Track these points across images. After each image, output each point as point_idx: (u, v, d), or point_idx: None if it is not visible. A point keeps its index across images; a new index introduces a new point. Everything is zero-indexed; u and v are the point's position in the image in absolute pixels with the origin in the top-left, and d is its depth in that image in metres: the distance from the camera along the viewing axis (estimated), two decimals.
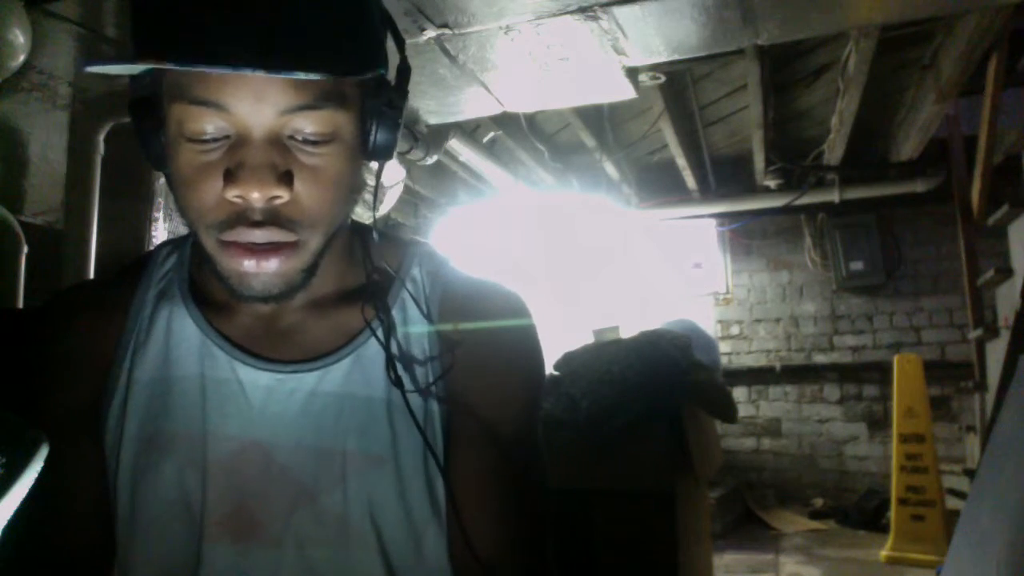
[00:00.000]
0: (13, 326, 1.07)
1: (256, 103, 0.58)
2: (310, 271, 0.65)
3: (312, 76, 0.55)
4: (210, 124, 0.59)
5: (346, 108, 0.63)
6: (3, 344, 0.76)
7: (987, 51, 3.30)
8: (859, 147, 4.61)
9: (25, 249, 1.65)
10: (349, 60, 0.60)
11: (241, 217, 0.60)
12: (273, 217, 0.60)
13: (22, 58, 1.70)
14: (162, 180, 2.10)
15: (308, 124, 0.60)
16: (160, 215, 2.07)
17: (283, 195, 0.59)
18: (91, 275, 1.87)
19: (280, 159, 0.60)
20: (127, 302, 0.72)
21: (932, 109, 3.82)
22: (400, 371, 0.69)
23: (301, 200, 0.61)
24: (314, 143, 0.61)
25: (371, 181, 0.73)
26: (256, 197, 0.59)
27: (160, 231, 2.08)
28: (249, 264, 0.61)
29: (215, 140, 0.60)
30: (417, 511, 0.69)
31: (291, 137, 0.61)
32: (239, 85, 0.58)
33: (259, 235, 0.60)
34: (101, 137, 1.96)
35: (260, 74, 0.55)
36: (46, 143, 1.87)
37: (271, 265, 0.61)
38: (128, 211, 2.05)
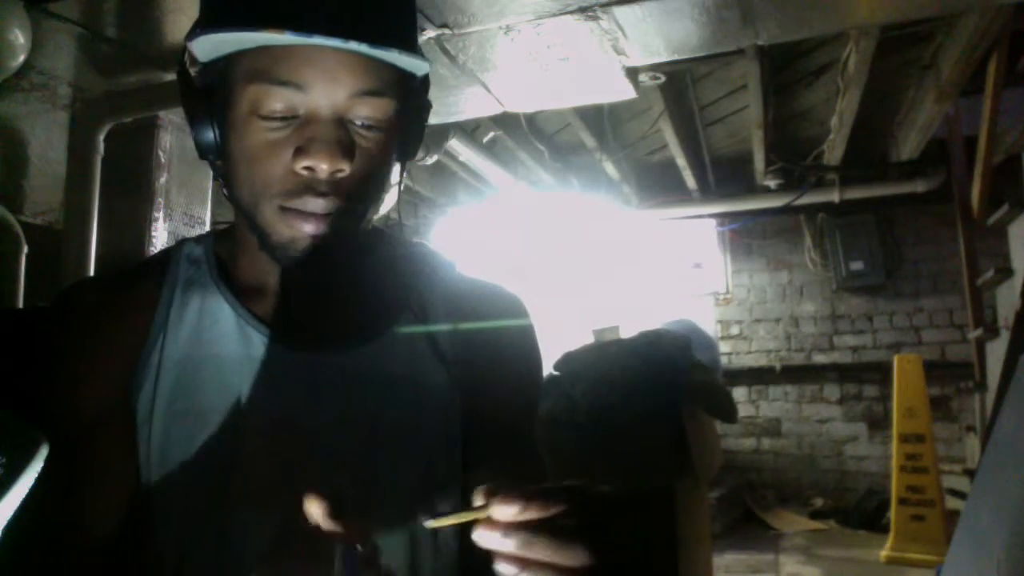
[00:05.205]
0: (13, 326, 1.07)
1: (331, 84, 0.64)
2: (352, 242, 0.70)
3: (410, 57, 0.65)
4: (286, 104, 0.64)
5: (397, 101, 0.69)
6: (3, 344, 0.76)
7: (987, 51, 3.30)
8: (859, 147, 4.60)
9: (25, 249, 1.66)
10: (417, 49, 0.69)
11: (308, 187, 0.65)
12: (336, 188, 0.66)
13: (22, 58, 1.70)
14: (163, 180, 2.10)
15: (369, 109, 0.66)
16: (160, 215, 2.06)
17: (346, 168, 0.65)
18: (91, 275, 1.87)
19: (345, 137, 0.65)
20: (155, 291, 0.74)
21: (932, 109, 3.81)
22: (428, 347, 0.74)
23: (356, 176, 0.67)
24: (369, 128, 0.67)
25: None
26: (324, 169, 0.64)
27: (160, 231, 2.07)
28: (308, 228, 0.66)
29: (285, 119, 0.65)
30: (440, 484, 0.71)
31: (351, 121, 0.66)
32: (318, 67, 0.63)
33: (323, 204, 0.65)
34: (101, 137, 1.96)
35: (364, 49, 0.62)
36: (46, 143, 1.88)
37: (326, 230, 0.66)
38: (128, 211, 2.04)
